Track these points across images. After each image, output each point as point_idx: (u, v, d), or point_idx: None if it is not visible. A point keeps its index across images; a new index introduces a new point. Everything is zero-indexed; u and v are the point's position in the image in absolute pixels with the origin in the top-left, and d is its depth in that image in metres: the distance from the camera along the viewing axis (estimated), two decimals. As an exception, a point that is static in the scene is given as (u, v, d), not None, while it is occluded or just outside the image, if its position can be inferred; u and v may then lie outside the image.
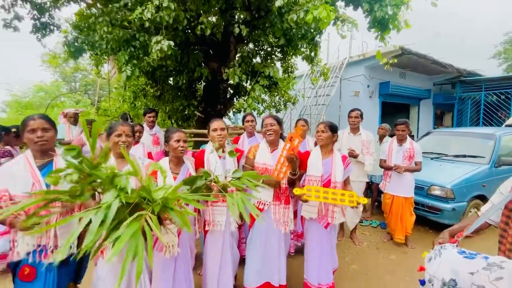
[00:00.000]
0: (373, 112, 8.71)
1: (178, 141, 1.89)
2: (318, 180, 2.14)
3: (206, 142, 3.66)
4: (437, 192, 3.70)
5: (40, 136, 1.53)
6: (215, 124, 2.12)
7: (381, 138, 4.43)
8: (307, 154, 2.27)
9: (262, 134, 2.28)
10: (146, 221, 1.34)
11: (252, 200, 2.13)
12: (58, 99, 17.60)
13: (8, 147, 2.98)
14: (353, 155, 3.23)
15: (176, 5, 3.47)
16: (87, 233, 1.04)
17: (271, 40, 5.45)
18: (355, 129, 3.41)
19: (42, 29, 5.14)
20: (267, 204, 2.11)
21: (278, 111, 8.48)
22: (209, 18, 5.05)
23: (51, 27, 5.24)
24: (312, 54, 5.46)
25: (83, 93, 19.84)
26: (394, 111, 10.95)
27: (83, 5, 5.18)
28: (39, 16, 5.02)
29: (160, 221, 1.44)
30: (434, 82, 10.76)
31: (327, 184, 2.15)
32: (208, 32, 3.90)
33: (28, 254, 1.48)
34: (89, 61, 7.21)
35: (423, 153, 4.76)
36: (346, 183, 2.28)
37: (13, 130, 3.11)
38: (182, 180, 1.88)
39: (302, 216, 2.30)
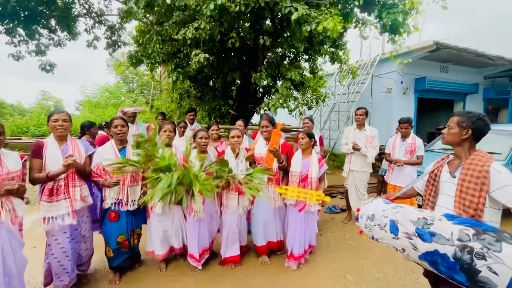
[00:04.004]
0: (407, 109, 8.54)
1: (201, 138, 2.67)
2: (297, 175, 2.71)
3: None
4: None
5: (120, 130, 2.45)
6: (233, 132, 2.76)
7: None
8: (291, 148, 2.88)
9: (260, 132, 2.93)
10: (187, 190, 2.16)
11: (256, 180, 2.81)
12: (119, 99, 20.38)
13: (90, 139, 4.04)
14: (356, 148, 3.69)
15: (212, 25, 4.29)
16: (156, 191, 1.90)
17: (297, 45, 5.99)
18: (360, 125, 3.82)
19: (113, 45, 6.51)
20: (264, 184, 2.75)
21: (309, 108, 8.94)
22: (243, 26, 5.82)
23: (119, 43, 6.59)
24: (335, 55, 5.84)
25: (139, 93, 22.40)
26: (436, 108, 10.42)
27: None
28: (110, 36, 6.38)
29: (192, 193, 2.24)
30: (484, 75, 9.95)
31: (305, 178, 2.71)
32: (238, 44, 4.66)
33: (112, 204, 2.43)
34: (145, 66, 8.58)
35: (443, 149, 4.93)
36: (321, 179, 2.79)
37: (103, 124, 4.27)
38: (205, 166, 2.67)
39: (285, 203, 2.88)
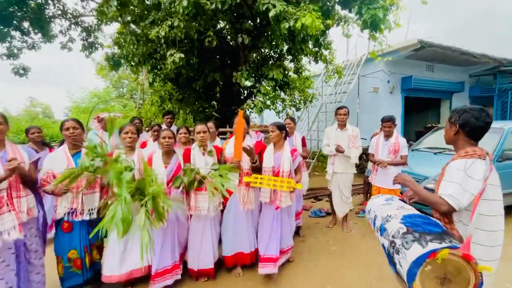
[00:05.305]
0: (395, 108, 8.48)
1: (164, 138, 2.43)
2: (270, 170, 2.53)
3: (224, 138, 4.23)
4: (431, 185, 3.76)
5: (72, 133, 2.22)
6: (198, 128, 2.54)
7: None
8: (265, 147, 2.68)
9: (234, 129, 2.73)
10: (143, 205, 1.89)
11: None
12: (108, 104, 19.96)
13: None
14: (340, 151, 3.50)
15: (187, 23, 4.09)
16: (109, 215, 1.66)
17: (278, 43, 5.83)
18: (342, 125, 3.66)
19: (89, 47, 6.25)
20: (235, 186, 2.50)
21: (297, 109, 8.81)
22: (226, 26, 5.62)
23: (96, 45, 6.33)
24: (319, 54, 5.71)
25: (129, 97, 21.94)
26: (423, 107, 10.40)
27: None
28: (86, 37, 6.12)
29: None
30: (470, 73, 9.99)
31: (277, 173, 2.52)
32: (215, 43, 4.46)
33: (65, 214, 2.19)
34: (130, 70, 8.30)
35: (428, 148, 4.82)
36: (296, 171, 2.62)
37: None
38: (171, 168, 2.45)
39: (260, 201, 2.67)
